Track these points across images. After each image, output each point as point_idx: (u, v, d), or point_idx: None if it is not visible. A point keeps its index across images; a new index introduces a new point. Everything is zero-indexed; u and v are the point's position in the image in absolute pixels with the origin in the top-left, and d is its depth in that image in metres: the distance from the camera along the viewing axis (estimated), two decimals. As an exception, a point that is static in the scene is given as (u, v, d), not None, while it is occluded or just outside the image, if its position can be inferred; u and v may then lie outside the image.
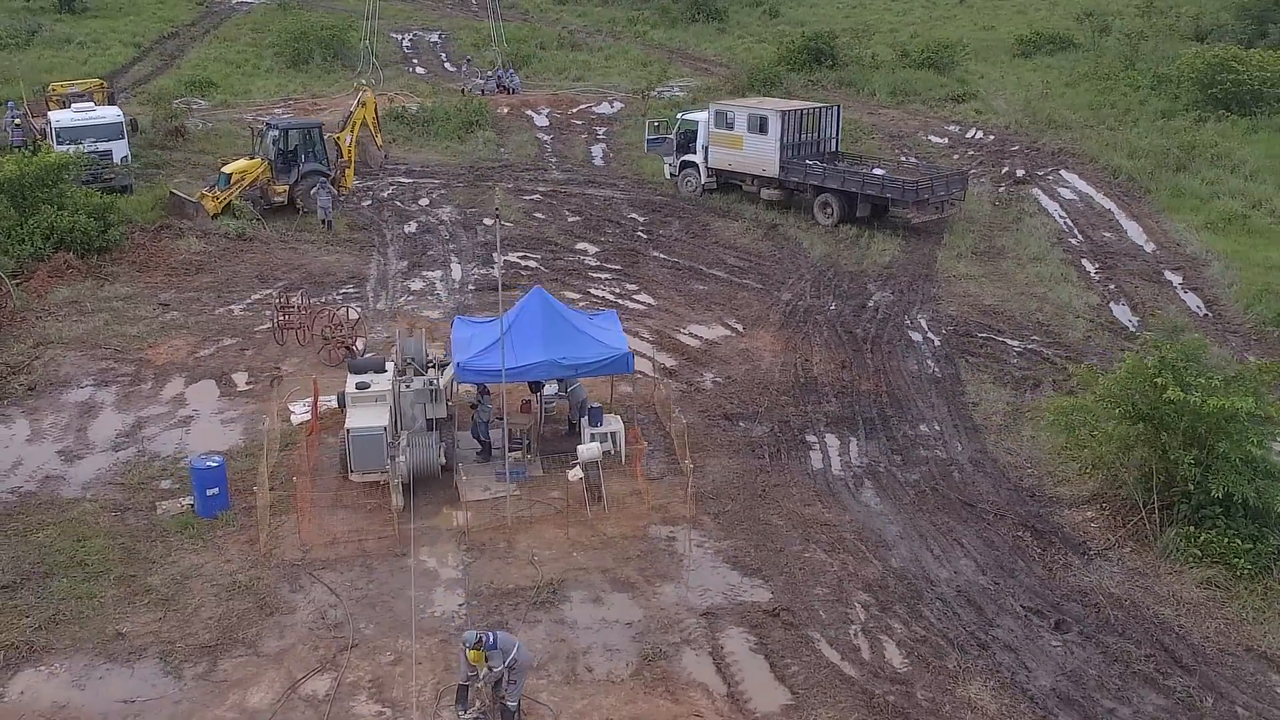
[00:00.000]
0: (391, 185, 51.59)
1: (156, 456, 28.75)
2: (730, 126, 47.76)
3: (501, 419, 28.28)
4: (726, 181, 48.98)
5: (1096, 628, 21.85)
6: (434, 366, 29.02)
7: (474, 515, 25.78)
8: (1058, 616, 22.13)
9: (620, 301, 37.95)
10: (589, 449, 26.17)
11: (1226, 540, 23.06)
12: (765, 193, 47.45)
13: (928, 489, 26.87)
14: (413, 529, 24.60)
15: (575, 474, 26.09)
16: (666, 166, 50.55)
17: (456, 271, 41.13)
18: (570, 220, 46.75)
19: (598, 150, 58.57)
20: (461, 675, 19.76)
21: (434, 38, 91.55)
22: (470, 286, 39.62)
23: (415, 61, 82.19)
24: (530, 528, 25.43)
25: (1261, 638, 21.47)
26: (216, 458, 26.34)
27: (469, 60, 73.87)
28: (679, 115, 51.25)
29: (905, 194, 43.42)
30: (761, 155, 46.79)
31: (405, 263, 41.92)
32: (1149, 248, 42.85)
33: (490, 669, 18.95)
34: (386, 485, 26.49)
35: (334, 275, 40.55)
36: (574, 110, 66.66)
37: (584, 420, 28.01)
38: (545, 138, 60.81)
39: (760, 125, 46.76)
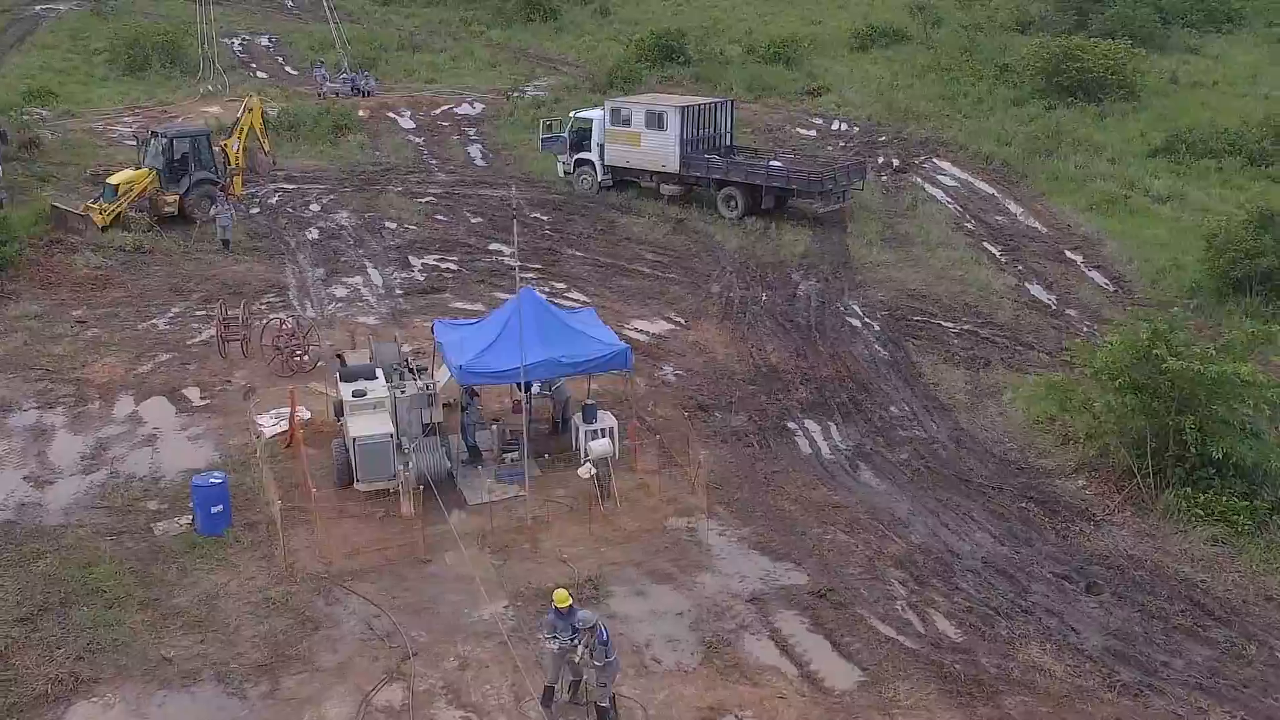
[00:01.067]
0: (277, 192, 50.44)
1: (132, 477, 27.78)
2: (627, 123, 48.15)
3: (497, 421, 28.28)
4: (622, 178, 49.36)
5: (1126, 588, 23.03)
6: (412, 371, 28.72)
7: (487, 518, 25.65)
8: (1088, 580, 23.24)
9: (554, 300, 37.90)
10: (601, 445, 26.31)
11: (1224, 499, 24.51)
12: (664, 188, 48.02)
13: (921, 467, 27.82)
14: (454, 529, 24.36)
15: (586, 471, 26.14)
16: (560, 165, 50.66)
17: (376, 277, 40.56)
18: (474, 221, 46.53)
19: (475, 151, 58.29)
20: (548, 677, 19.88)
21: (265, 41, 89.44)
22: (398, 291, 39.15)
23: (254, 66, 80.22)
24: (548, 527, 25.47)
25: (1278, 588, 22.93)
26: (219, 474, 25.67)
27: (322, 63, 72.47)
28: (572, 114, 51.39)
29: (811, 185, 44.52)
30: (661, 151, 47.33)
31: (321, 270, 41.18)
32: (1043, 230, 44.86)
33: (592, 658, 19.07)
34: (389, 493, 26.17)
35: (251, 285, 39.55)
36: (436, 112, 66.09)
37: (578, 417, 28.10)
38: (417, 139, 60.22)
39: (659, 121, 47.28)
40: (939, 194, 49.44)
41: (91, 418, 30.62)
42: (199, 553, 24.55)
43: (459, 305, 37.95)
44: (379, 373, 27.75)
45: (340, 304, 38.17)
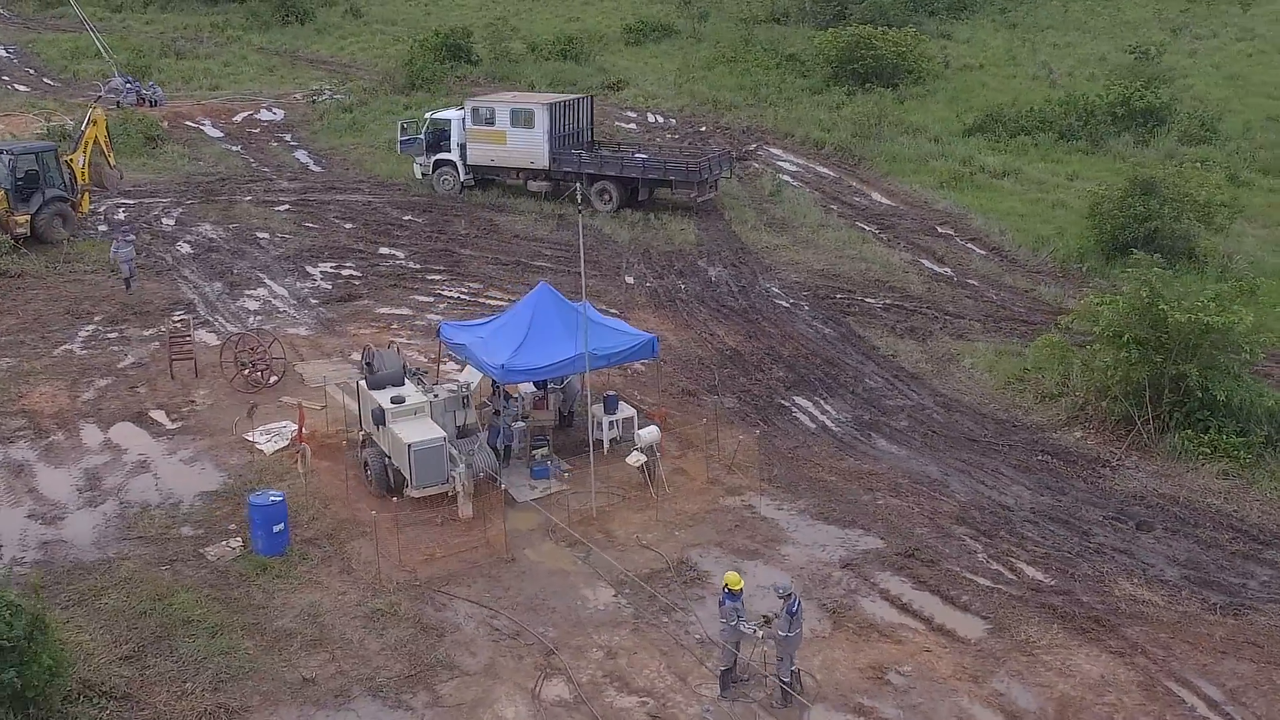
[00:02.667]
0: (120, 208, 48.19)
1: (148, 505, 26.65)
2: (490, 122, 48.20)
3: (525, 418, 28.39)
4: (484, 177, 49.40)
5: (1172, 523, 25.18)
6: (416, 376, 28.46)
7: (542, 514, 25.80)
8: (1136, 519, 25.29)
9: (480, 300, 38.09)
10: (650, 432, 26.82)
11: (1224, 438, 27.01)
12: (532, 185, 48.37)
13: (927, 432, 29.42)
14: (523, 526, 24.45)
15: (636, 458, 26.63)
16: (417, 167, 50.19)
17: (279, 288, 39.49)
18: (348, 227, 45.71)
19: (303, 157, 57.08)
20: (725, 661, 20.40)
21: (3, 52, 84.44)
22: (313, 300, 38.30)
23: (7, 78, 75.72)
24: (612, 516, 25.85)
25: (1299, 510, 25.60)
26: (276, 492, 24.91)
27: (134, 80, 68.57)
28: (427, 114, 51.02)
29: (689, 175, 45.69)
30: (528, 148, 47.61)
31: (219, 284, 39.80)
32: (903, 208, 47.38)
33: (778, 629, 19.72)
34: (448, 497, 26.00)
35: (152, 304, 37.95)
36: (238, 119, 64.34)
37: (598, 408, 28.49)
38: (235, 148, 58.43)
39: (526, 119, 47.56)
40: (789, 179, 51.35)
41: (64, 449, 29.08)
42: (275, 573, 23.88)
43: (384, 310, 37.56)
44: (407, 380, 27.39)
45: (259, 317, 37.04)
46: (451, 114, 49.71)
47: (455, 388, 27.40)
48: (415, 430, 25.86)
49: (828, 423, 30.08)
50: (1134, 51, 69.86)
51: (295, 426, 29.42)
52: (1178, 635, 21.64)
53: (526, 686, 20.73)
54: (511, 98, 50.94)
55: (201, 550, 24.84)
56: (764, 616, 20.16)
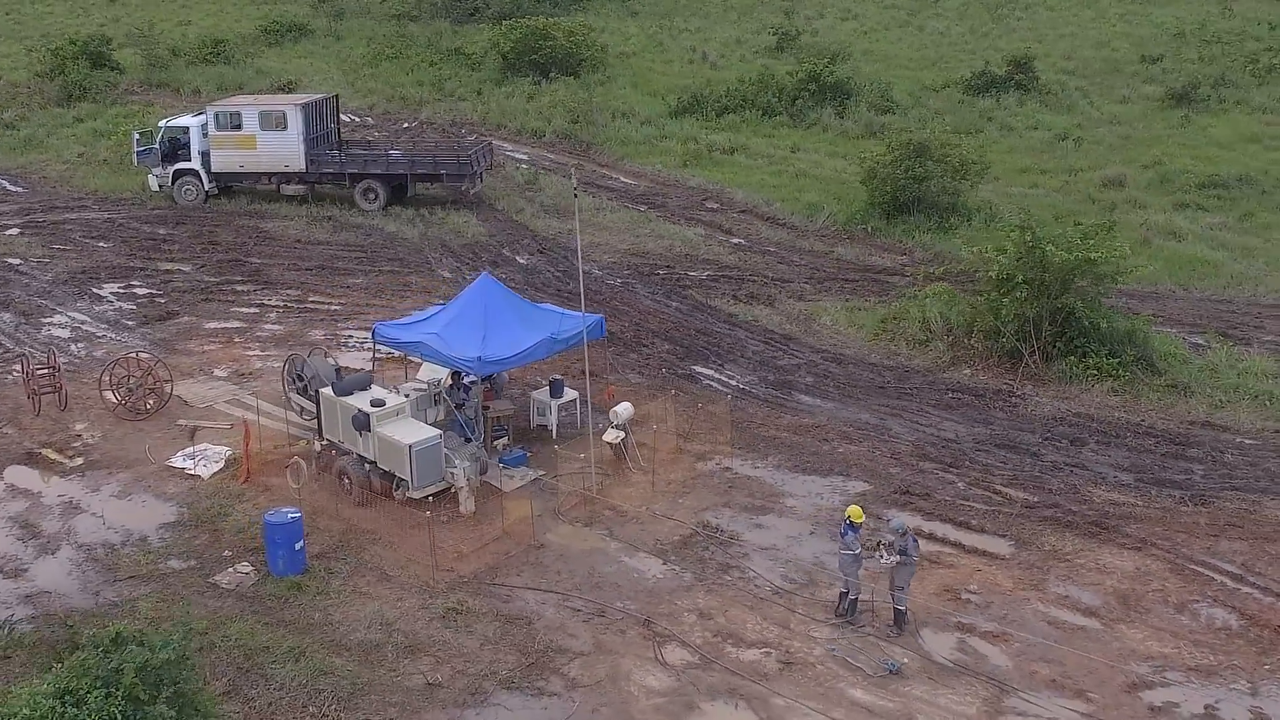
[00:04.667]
0: None
1: (112, 545, 24.90)
2: (237, 127, 46.25)
3: (487, 408, 28.29)
4: (229, 185, 47.45)
5: (1099, 438, 28.26)
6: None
7: (540, 501, 26.01)
8: (1069, 438, 28.23)
9: (310, 306, 37.09)
10: (625, 409, 27.43)
11: (1101, 360, 30.49)
12: (286, 189, 46.90)
13: (838, 384, 31.40)
14: (577, 508, 24.60)
15: (614, 435, 27.22)
16: (153, 178, 47.39)
17: (76, 313, 36.79)
18: (104, 246, 42.87)
19: (-5, 178, 52.61)
20: (853, 591, 21.73)
21: None
22: (128, 322, 36.01)
23: None
24: (608, 493, 26.34)
25: (1188, 414, 29.26)
26: (293, 510, 23.87)
27: None
28: (161, 123, 48.20)
29: (461, 168, 45.68)
30: (283, 151, 46.05)
31: (6, 315, 36.64)
32: (661, 187, 49.11)
33: (900, 555, 21.22)
34: (434, 496, 25.73)
35: (-60, 342, 34.69)
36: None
37: (543, 393, 28.84)
38: (-97, 174, 53.07)
39: (278, 121, 45.97)
40: (533, 168, 52.03)
41: (-31, 501, 26.52)
42: (313, 591, 23.15)
43: (213, 325, 35.92)
44: (374, 385, 26.76)
45: (85, 344, 34.54)
46: (189, 121, 47.33)
47: (425, 386, 27.02)
48: (408, 431, 25.45)
49: (742, 386, 31.49)
50: (775, 33, 74.91)
51: (220, 449, 28.22)
52: (1170, 527, 24.59)
53: (646, 656, 21.15)
54: (254, 100, 48.95)
55: (212, 580, 23.57)
56: (878, 543, 21.55)
